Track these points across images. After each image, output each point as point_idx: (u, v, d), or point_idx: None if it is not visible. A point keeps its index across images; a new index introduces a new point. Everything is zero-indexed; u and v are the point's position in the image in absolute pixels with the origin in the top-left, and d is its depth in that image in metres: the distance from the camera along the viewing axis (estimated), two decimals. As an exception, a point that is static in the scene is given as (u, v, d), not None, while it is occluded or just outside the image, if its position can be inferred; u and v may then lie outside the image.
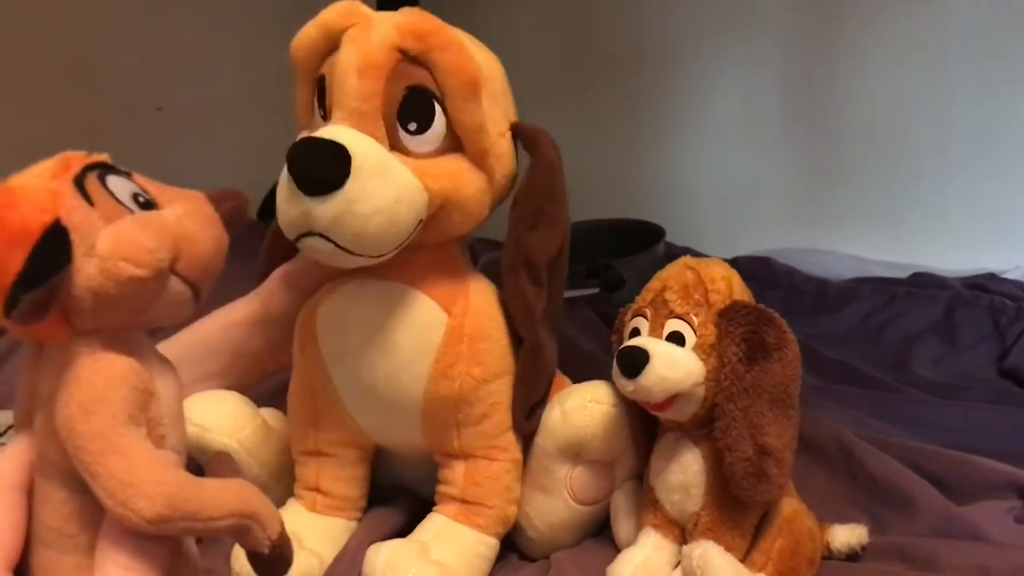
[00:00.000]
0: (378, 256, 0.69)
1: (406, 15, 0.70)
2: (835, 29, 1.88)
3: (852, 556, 0.77)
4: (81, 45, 1.56)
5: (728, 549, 0.68)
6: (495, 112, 0.74)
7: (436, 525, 0.77)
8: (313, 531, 0.77)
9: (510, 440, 0.78)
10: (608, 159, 2.01)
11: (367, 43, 0.69)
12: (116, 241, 0.44)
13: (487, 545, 0.77)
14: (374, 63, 0.68)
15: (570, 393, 0.78)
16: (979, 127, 1.79)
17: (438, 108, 0.71)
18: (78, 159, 0.46)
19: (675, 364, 0.70)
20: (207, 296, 0.49)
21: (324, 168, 0.64)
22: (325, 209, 0.64)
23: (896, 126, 1.85)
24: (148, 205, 0.47)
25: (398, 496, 0.84)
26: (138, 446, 0.44)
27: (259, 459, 0.81)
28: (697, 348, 0.71)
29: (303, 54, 0.73)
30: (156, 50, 1.68)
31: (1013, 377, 1.27)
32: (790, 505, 0.72)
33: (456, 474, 0.77)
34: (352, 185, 0.64)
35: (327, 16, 0.71)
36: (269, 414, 0.84)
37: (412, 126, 0.70)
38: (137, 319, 0.47)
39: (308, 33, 0.72)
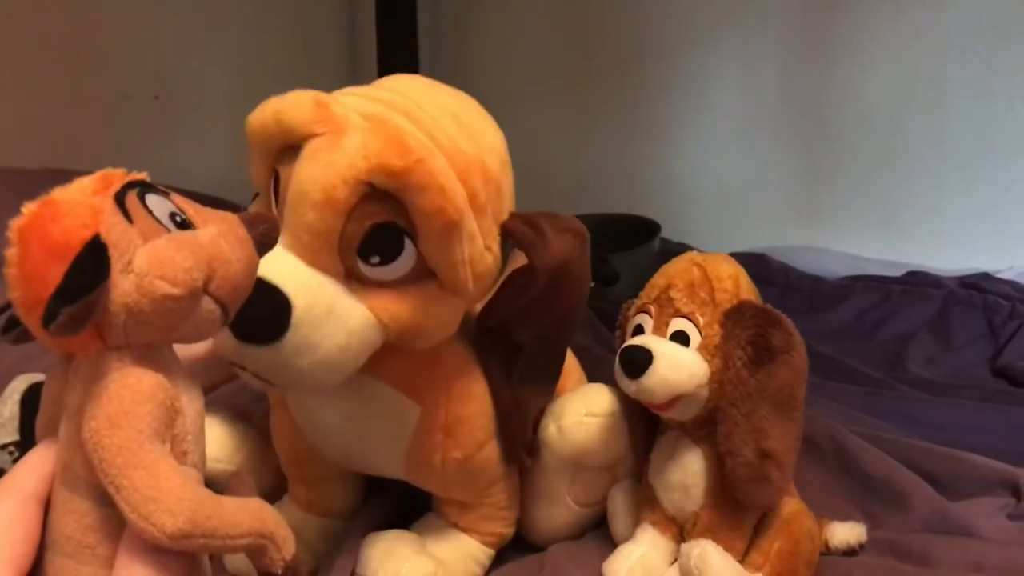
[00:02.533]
0: (316, 391, 0.66)
1: (380, 139, 0.58)
2: (833, 26, 1.88)
3: (849, 552, 0.78)
4: (79, 32, 1.55)
5: (726, 549, 0.68)
6: (484, 224, 0.63)
7: (434, 525, 0.77)
8: (308, 527, 0.77)
9: (502, 487, 0.76)
10: (605, 154, 2.01)
11: (330, 170, 0.57)
12: (153, 259, 0.44)
13: (484, 553, 0.76)
14: (334, 199, 0.57)
15: (565, 406, 0.76)
16: (976, 126, 1.80)
17: (408, 243, 0.61)
18: (119, 176, 0.47)
19: (679, 365, 0.69)
20: (235, 314, 0.50)
21: (259, 318, 0.56)
22: (259, 357, 0.57)
23: (892, 124, 1.86)
24: (184, 225, 0.47)
25: (395, 487, 0.82)
26: (162, 462, 0.44)
27: (260, 473, 0.80)
28: (702, 348, 0.70)
29: (257, 139, 0.62)
30: (154, 38, 1.67)
31: (1006, 376, 1.29)
32: (790, 505, 0.72)
33: (450, 509, 0.77)
34: (290, 339, 0.57)
35: (289, 114, 0.59)
36: (255, 430, 0.82)
37: (374, 259, 0.61)
38: (168, 336, 0.47)
39: (264, 123, 0.61)
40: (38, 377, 0.77)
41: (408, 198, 0.58)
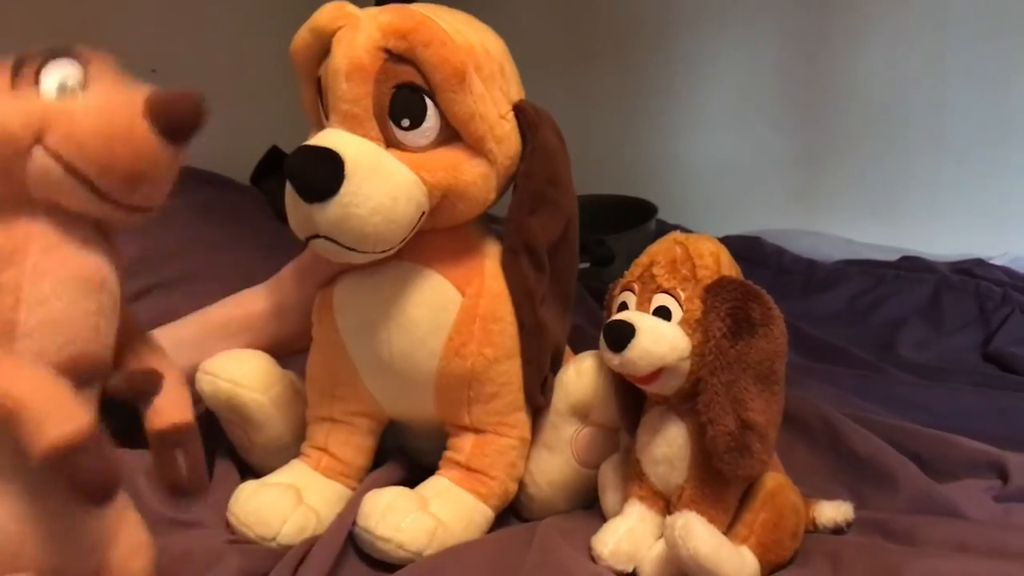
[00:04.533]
0: (383, 252, 0.71)
1: (389, 13, 0.71)
2: (834, 12, 1.87)
3: (836, 531, 0.78)
4: (76, 4, 1.54)
5: (711, 521, 0.69)
6: (494, 94, 0.74)
7: (438, 485, 0.78)
8: (314, 488, 0.79)
9: (520, 419, 0.80)
10: (603, 135, 2.00)
11: (353, 46, 0.70)
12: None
13: (483, 514, 0.78)
14: (360, 66, 0.70)
15: (586, 356, 0.81)
16: (973, 113, 1.79)
17: (429, 102, 0.71)
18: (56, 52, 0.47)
19: (660, 338, 0.70)
20: (127, 198, 0.48)
21: (319, 175, 0.67)
22: (324, 214, 0.67)
23: (891, 111, 1.86)
24: (69, 91, 0.46)
25: (400, 461, 0.85)
26: None
27: (285, 417, 0.83)
28: (683, 323, 0.71)
29: (301, 58, 0.74)
30: (151, 11, 1.66)
31: (997, 361, 1.29)
32: (774, 479, 0.73)
33: (465, 443, 0.79)
34: (347, 189, 0.66)
35: (317, 19, 0.72)
36: (293, 376, 0.85)
37: (405, 123, 0.71)
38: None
39: (303, 37, 0.74)
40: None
41: (418, 54, 0.70)
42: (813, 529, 0.78)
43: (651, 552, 0.72)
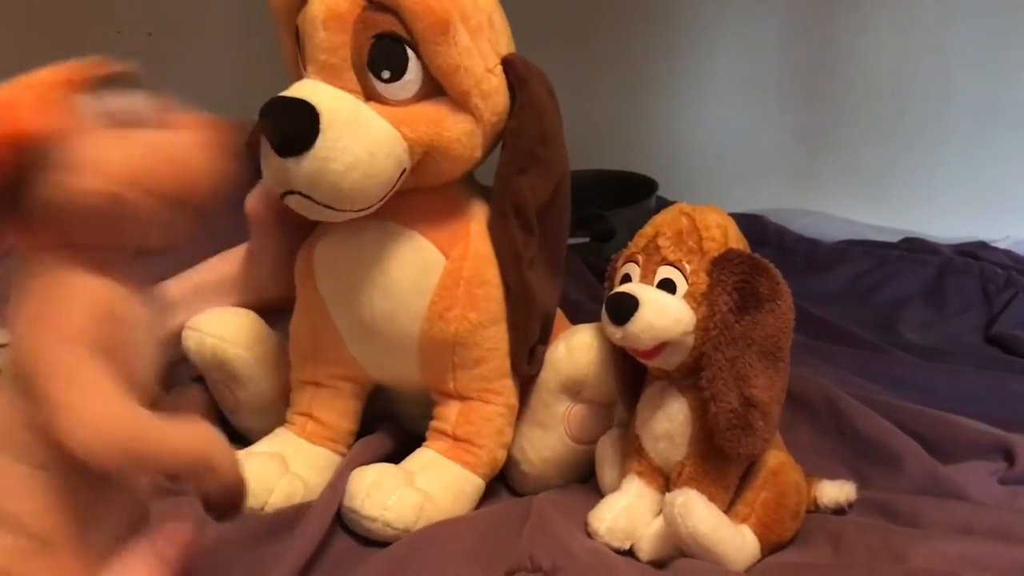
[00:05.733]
0: (361, 210, 0.69)
1: None
2: (837, -10, 1.85)
3: (838, 511, 0.77)
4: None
5: (711, 499, 0.68)
6: (481, 47, 0.71)
7: (425, 457, 0.77)
8: (300, 456, 0.77)
9: (506, 385, 0.78)
10: (605, 109, 1.98)
11: None
12: (91, 159, 0.42)
13: (472, 484, 0.77)
14: (338, 14, 0.67)
15: (577, 331, 0.79)
16: (978, 94, 1.78)
17: (411, 53, 0.69)
18: (96, 67, 0.45)
19: (664, 311, 0.69)
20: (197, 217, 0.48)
21: (293, 128, 0.64)
22: (299, 168, 0.65)
23: (895, 90, 1.84)
24: (141, 124, 0.45)
25: (388, 428, 0.83)
26: (92, 373, 0.42)
27: (270, 377, 0.81)
28: (688, 296, 0.69)
29: (279, 5, 0.72)
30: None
31: (1000, 344, 1.27)
32: (776, 458, 0.72)
33: (450, 411, 0.78)
34: (322, 143, 0.64)
35: None
36: (280, 336, 0.84)
37: (385, 74, 0.69)
38: (113, 238, 0.45)
39: None
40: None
41: (399, 2, 0.66)
42: (815, 509, 0.77)
43: (649, 529, 0.70)
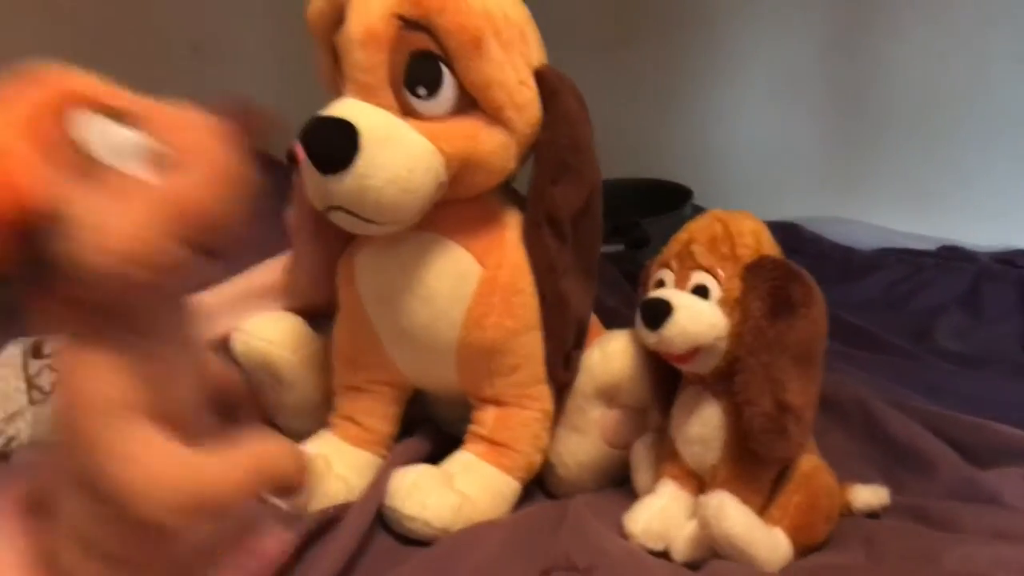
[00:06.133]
0: (401, 222, 0.71)
1: None
2: (872, -3, 1.84)
3: (872, 516, 0.77)
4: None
5: (744, 502, 0.68)
6: (514, 60, 0.72)
7: (463, 460, 0.79)
8: (343, 457, 0.79)
9: (543, 391, 0.80)
10: (640, 118, 1.99)
11: (368, 13, 0.69)
12: (111, 230, 0.41)
13: (510, 487, 0.78)
14: (374, 33, 0.69)
15: (612, 337, 0.80)
16: (1015, 98, 1.76)
17: (445, 70, 0.70)
18: (60, 95, 0.42)
19: (698, 316, 0.70)
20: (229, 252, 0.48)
21: (333, 146, 0.66)
22: (340, 185, 0.67)
23: (930, 97, 1.82)
24: (157, 165, 0.43)
25: (428, 431, 0.85)
26: (138, 440, 0.42)
27: (314, 380, 0.84)
28: (721, 302, 0.70)
29: (316, 25, 0.74)
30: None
31: (1038, 352, 1.26)
32: (809, 461, 0.72)
33: (487, 416, 0.79)
34: (361, 160, 0.66)
35: None
36: (326, 340, 0.86)
37: (421, 91, 0.70)
38: (148, 299, 0.45)
39: (317, 3, 0.73)
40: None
41: (433, 21, 0.68)
42: (848, 513, 0.77)
43: (683, 531, 0.71)
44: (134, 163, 0.42)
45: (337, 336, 0.82)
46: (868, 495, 0.77)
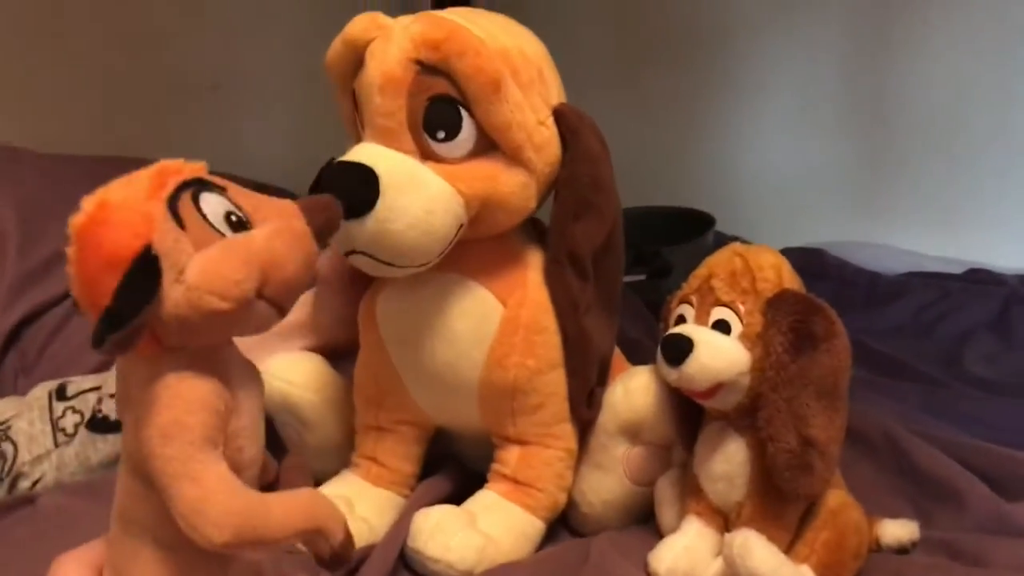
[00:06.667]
0: (421, 265, 0.71)
1: (421, 22, 0.70)
2: (895, 15, 1.83)
3: (901, 551, 0.76)
4: (139, 21, 1.57)
5: (770, 540, 0.67)
6: (532, 100, 0.73)
7: (486, 500, 0.78)
8: (364, 498, 0.79)
9: (566, 430, 0.79)
10: (660, 145, 1.99)
11: (386, 58, 0.70)
12: (203, 273, 0.45)
13: (534, 527, 0.78)
14: (393, 79, 0.69)
15: (635, 373, 0.80)
16: (1043, 120, 1.75)
17: (464, 113, 0.71)
18: (174, 171, 0.47)
19: (719, 352, 0.69)
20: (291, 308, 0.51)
21: (354, 192, 0.66)
22: (361, 230, 0.67)
23: (955, 118, 1.81)
24: (240, 224, 0.48)
25: (450, 468, 0.85)
26: (212, 472, 0.45)
27: (338, 418, 0.84)
28: (743, 337, 0.70)
29: (335, 70, 0.74)
30: (212, 26, 1.69)
31: (1069, 377, 1.24)
32: (836, 497, 0.71)
33: (511, 456, 0.79)
34: (382, 204, 0.67)
35: (350, 30, 0.72)
36: (347, 380, 0.86)
37: (440, 135, 0.71)
38: (223, 339, 0.49)
39: (336, 49, 0.73)
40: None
41: (451, 65, 0.69)
42: (877, 549, 0.76)
43: (709, 570, 0.71)
44: (221, 222, 0.47)
45: (358, 377, 0.82)
46: (897, 530, 0.76)
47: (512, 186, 0.73)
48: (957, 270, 1.65)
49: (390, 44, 0.70)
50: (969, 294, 1.53)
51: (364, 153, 0.69)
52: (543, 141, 0.73)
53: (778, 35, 1.96)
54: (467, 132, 0.71)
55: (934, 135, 1.84)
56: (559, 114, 0.75)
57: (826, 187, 1.96)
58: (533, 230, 0.82)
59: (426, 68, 0.69)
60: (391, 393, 0.80)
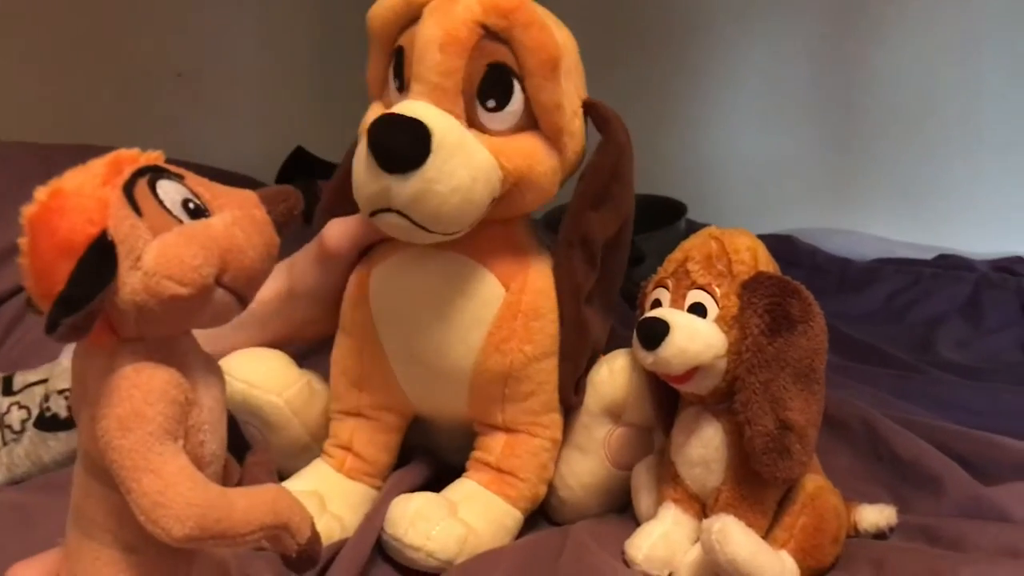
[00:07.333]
0: (451, 233, 0.69)
1: None
2: (863, 6, 1.84)
3: (879, 536, 0.76)
4: (103, 9, 1.55)
5: (749, 525, 0.67)
6: (570, 90, 0.73)
7: (466, 488, 0.77)
8: (337, 493, 0.77)
9: (554, 419, 0.78)
10: (632, 133, 1.99)
11: (451, 17, 0.68)
12: (161, 257, 0.44)
13: (513, 518, 0.76)
14: (457, 38, 0.68)
15: (618, 354, 0.79)
16: (1009, 106, 1.76)
17: (517, 86, 0.70)
18: (130, 160, 0.46)
19: (695, 336, 0.68)
20: (252, 299, 0.50)
21: (405, 146, 0.65)
22: (405, 187, 0.65)
23: (924, 105, 1.83)
24: (198, 212, 0.47)
25: (424, 460, 0.83)
26: (172, 463, 0.44)
27: (303, 419, 0.81)
28: (719, 320, 0.69)
29: (381, 23, 0.73)
30: (175, 15, 1.67)
31: (1040, 361, 1.25)
32: (814, 482, 0.71)
33: (496, 443, 0.77)
34: (432, 163, 0.65)
35: None
36: (310, 376, 0.83)
37: (491, 103, 0.70)
38: (181, 328, 0.48)
39: (389, 2, 0.72)
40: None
41: (516, 35, 0.69)
42: (855, 534, 0.76)
43: (687, 557, 0.69)
44: (179, 209, 0.46)
45: (339, 360, 0.80)
46: (875, 515, 0.76)
47: (546, 168, 0.73)
48: (927, 256, 1.66)
49: (456, 4, 0.69)
50: (939, 280, 1.54)
51: (415, 109, 0.67)
52: (575, 130, 0.74)
53: (748, 25, 1.96)
54: (515, 106, 0.71)
55: (903, 122, 1.85)
56: (590, 105, 0.76)
57: (796, 174, 1.97)
58: (535, 229, 0.81)
59: (490, 34, 0.69)
60: (374, 374, 0.78)
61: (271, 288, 0.83)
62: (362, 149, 0.66)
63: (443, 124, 0.66)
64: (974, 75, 1.78)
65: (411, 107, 0.67)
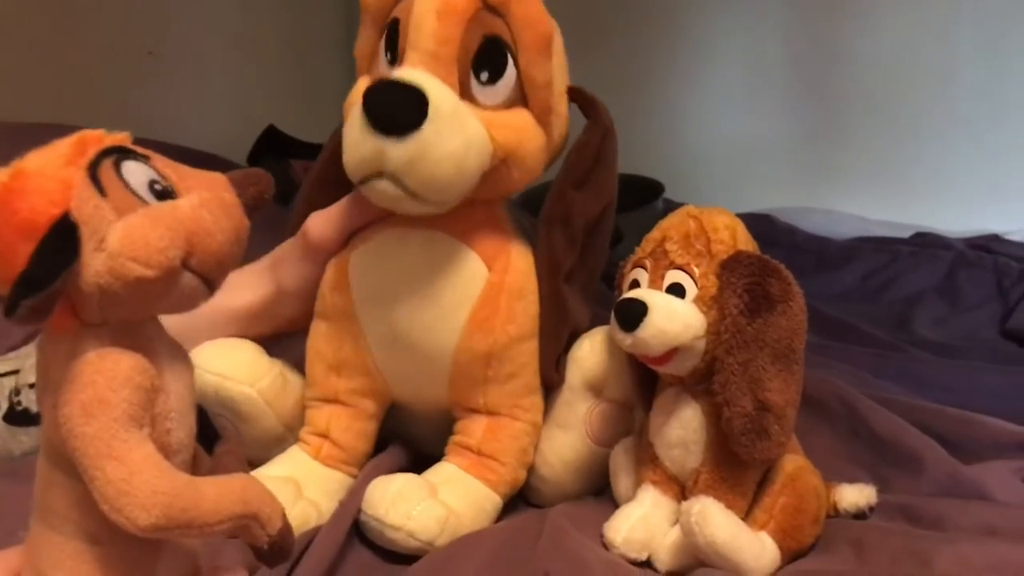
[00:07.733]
0: (440, 203, 0.69)
1: None
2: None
3: (859, 516, 0.76)
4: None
5: (728, 507, 0.66)
6: (560, 70, 0.74)
7: (446, 471, 0.76)
8: (313, 480, 0.76)
9: (535, 403, 0.78)
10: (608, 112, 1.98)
11: None
12: (125, 239, 0.42)
13: (492, 502, 0.76)
14: (455, 8, 0.68)
15: (597, 330, 0.79)
16: (984, 85, 1.77)
17: (510, 60, 0.71)
18: (95, 140, 0.45)
19: (674, 316, 0.67)
20: (221, 285, 0.48)
21: (402, 109, 0.65)
22: (400, 150, 0.65)
23: (900, 84, 1.83)
24: (164, 193, 0.45)
25: (400, 447, 0.82)
26: (138, 451, 0.43)
27: (276, 409, 0.79)
28: (698, 300, 0.68)
29: None
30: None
31: (1016, 338, 1.26)
32: (794, 462, 0.70)
33: (476, 426, 0.77)
34: (428, 128, 0.65)
35: None
36: (282, 365, 0.82)
37: (484, 76, 0.70)
38: (146, 313, 0.47)
39: None
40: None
41: (513, 9, 0.70)
42: (835, 514, 0.75)
43: (666, 539, 0.69)
44: (144, 191, 0.45)
45: (316, 345, 0.78)
46: (855, 495, 0.75)
47: (533, 145, 0.73)
48: (904, 234, 1.66)
49: None
50: (916, 258, 1.54)
51: (413, 75, 0.67)
52: (562, 111, 0.75)
53: (726, 5, 1.95)
54: (507, 80, 0.71)
55: (879, 102, 1.86)
56: (574, 90, 0.77)
57: (773, 154, 1.97)
58: (514, 214, 0.80)
59: (487, 6, 0.70)
60: (353, 359, 0.77)
61: (257, 293, 0.82)
62: (356, 115, 0.66)
63: (440, 91, 0.67)
64: (949, 56, 1.78)
65: (408, 73, 0.67)
